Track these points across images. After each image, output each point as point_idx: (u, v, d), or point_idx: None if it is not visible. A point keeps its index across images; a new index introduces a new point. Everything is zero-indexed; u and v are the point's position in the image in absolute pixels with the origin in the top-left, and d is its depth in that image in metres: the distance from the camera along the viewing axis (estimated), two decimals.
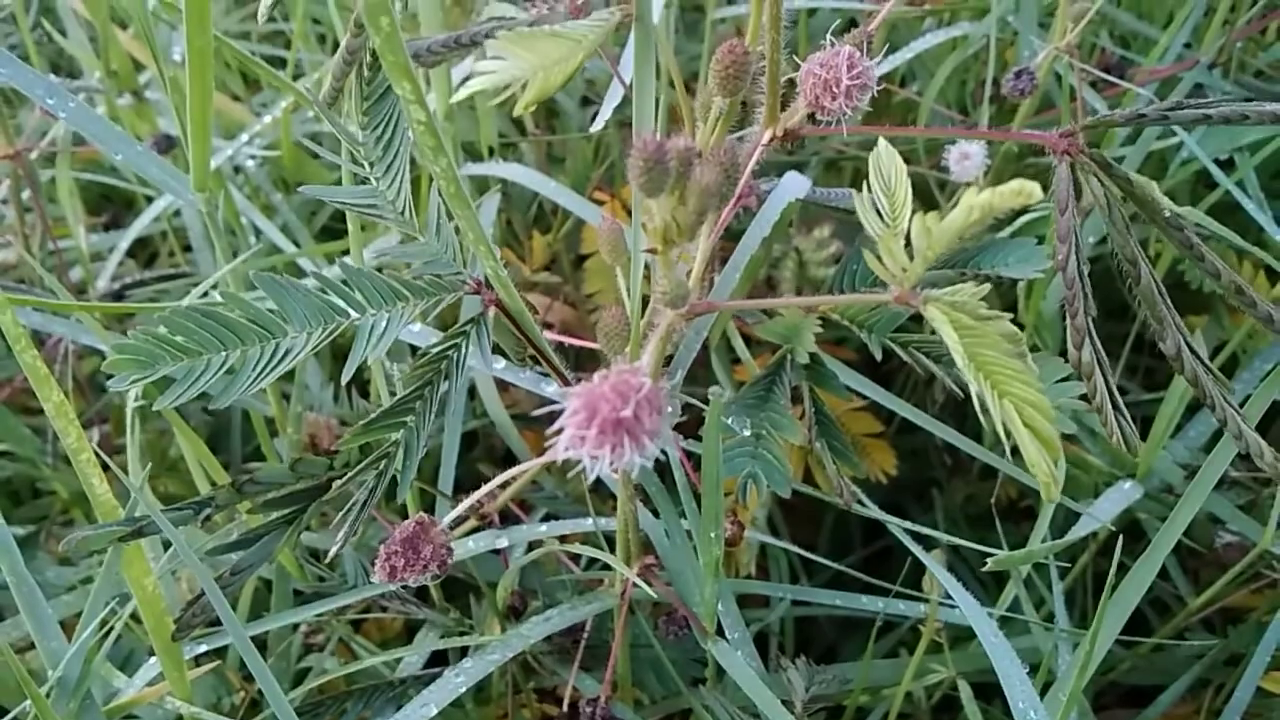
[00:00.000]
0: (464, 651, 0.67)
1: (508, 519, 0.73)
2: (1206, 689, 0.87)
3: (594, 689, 0.68)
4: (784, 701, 0.61)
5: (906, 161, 1.04)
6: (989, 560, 0.61)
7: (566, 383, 0.52)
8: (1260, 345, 0.96)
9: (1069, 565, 0.86)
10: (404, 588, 0.68)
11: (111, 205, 1.28)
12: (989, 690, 0.72)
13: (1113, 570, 0.52)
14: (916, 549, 0.63)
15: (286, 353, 0.46)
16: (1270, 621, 0.73)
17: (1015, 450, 0.38)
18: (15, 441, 0.98)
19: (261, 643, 0.77)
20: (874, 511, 0.64)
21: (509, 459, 0.97)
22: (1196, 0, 0.96)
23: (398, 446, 0.47)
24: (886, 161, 0.42)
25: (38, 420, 1.02)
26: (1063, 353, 0.51)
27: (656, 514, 0.63)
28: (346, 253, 0.84)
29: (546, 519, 0.80)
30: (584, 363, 1.01)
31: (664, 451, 0.59)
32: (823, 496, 0.65)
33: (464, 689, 0.58)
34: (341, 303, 0.47)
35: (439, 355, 0.47)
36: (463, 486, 0.77)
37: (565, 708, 0.67)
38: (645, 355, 0.39)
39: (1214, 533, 0.84)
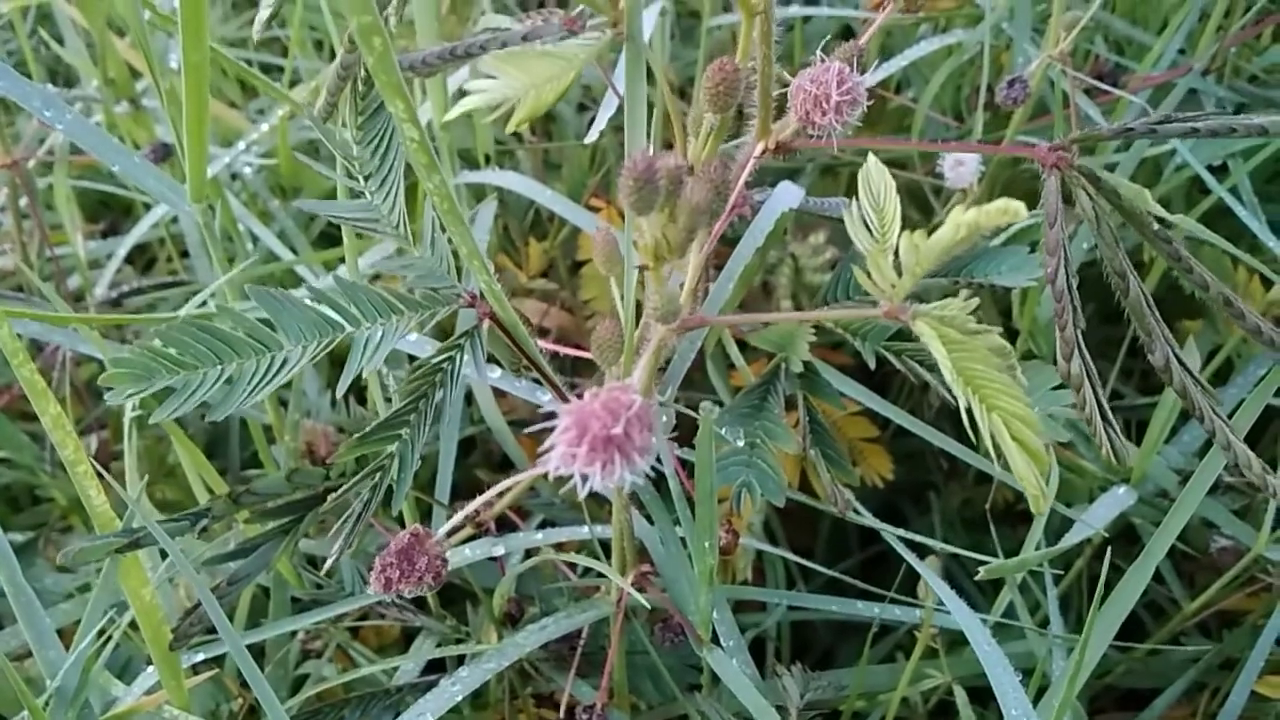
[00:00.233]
0: (461, 659, 0.68)
1: (504, 526, 0.74)
2: (1202, 692, 0.87)
3: (591, 695, 0.69)
4: (779, 708, 0.61)
5: (902, 167, 1.04)
6: (982, 569, 0.61)
7: (560, 393, 0.52)
8: (1255, 350, 0.96)
9: (1065, 571, 0.87)
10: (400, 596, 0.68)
11: (109, 211, 1.28)
12: (985, 695, 0.72)
13: (1103, 578, 0.53)
14: (911, 557, 0.64)
15: (283, 365, 0.47)
16: (1265, 625, 0.73)
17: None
18: (14, 449, 0.98)
19: (259, 650, 0.78)
20: (869, 520, 0.64)
21: (506, 464, 0.98)
22: (1191, 6, 0.96)
23: (393, 459, 0.47)
24: (876, 178, 0.42)
25: (36, 427, 1.02)
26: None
27: (652, 521, 0.63)
28: (344, 260, 0.84)
29: (543, 525, 0.80)
30: (580, 368, 1.02)
31: (658, 460, 0.60)
32: (818, 506, 0.65)
33: (460, 697, 0.58)
34: (337, 316, 0.47)
35: (434, 368, 0.47)
36: (460, 491, 0.78)
37: (562, 714, 0.67)
38: (637, 371, 0.40)
39: (1209, 537, 0.84)
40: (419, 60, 0.60)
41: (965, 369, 0.37)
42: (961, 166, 0.86)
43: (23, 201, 1.00)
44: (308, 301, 0.47)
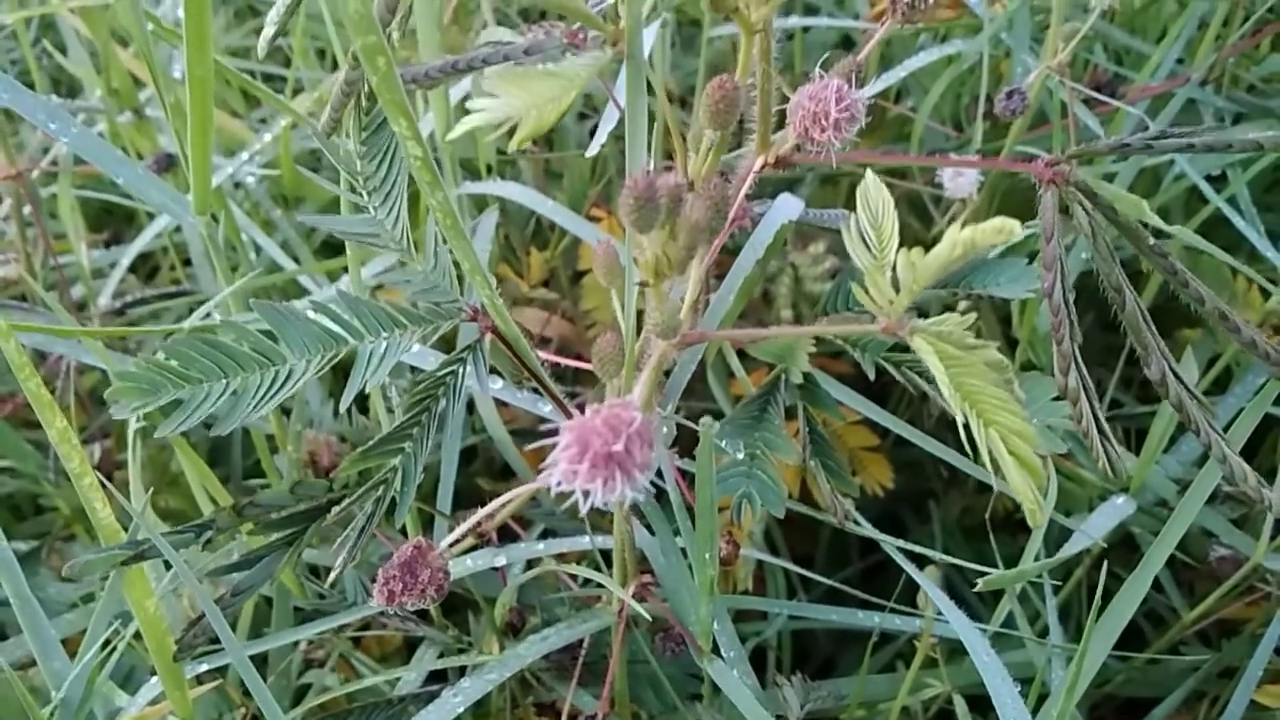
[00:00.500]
0: (463, 669, 0.68)
1: (505, 536, 0.74)
2: (1202, 701, 0.87)
3: (592, 705, 0.69)
4: (779, 718, 0.61)
5: (901, 177, 1.05)
6: (980, 580, 0.61)
7: (562, 406, 0.53)
8: (1254, 359, 0.96)
9: (1065, 580, 0.87)
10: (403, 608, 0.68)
11: (112, 219, 1.29)
12: (985, 704, 0.72)
13: (1099, 590, 0.53)
14: (910, 568, 0.64)
15: (287, 379, 0.47)
16: (1264, 634, 0.73)
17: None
18: (18, 458, 0.98)
19: (262, 659, 0.78)
20: (868, 530, 0.64)
21: (507, 473, 0.98)
22: (1189, 16, 0.97)
23: (396, 472, 0.48)
24: (874, 194, 0.43)
25: (39, 435, 1.02)
26: None
27: (653, 532, 0.63)
28: (347, 270, 0.85)
29: (544, 535, 0.80)
30: (582, 377, 1.02)
31: (659, 473, 0.60)
32: (817, 516, 0.65)
33: (462, 708, 0.59)
34: (341, 330, 0.48)
35: (436, 382, 0.48)
36: (462, 500, 0.78)
37: None
38: (638, 386, 0.40)
39: (1208, 546, 0.85)
40: (421, 74, 0.60)
41: (963, 384, 0.37)
42: (961, 176, 0.86)
43: (26, 210, 1.01)
44: (311, 315, 0.48)
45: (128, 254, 1.05)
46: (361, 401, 0.92)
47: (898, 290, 0.37)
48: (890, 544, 0.64)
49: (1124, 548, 0.92)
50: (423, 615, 0.75)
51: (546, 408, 0.64)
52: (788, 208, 0.60)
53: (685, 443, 0.64)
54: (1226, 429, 0.67)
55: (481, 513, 0.48)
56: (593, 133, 0.72)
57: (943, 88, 0.98)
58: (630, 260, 0.40)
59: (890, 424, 0.72)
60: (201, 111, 0.55)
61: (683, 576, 0.61)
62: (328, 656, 0.80)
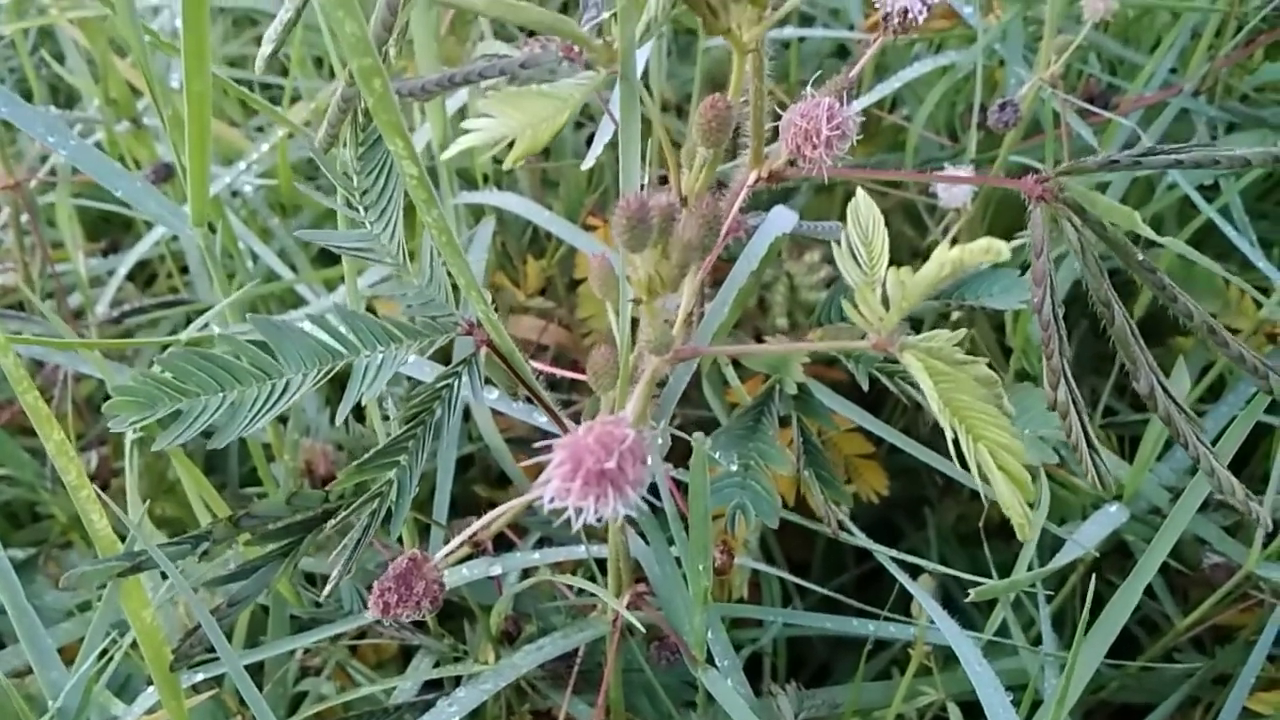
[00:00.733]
0: (458, 678, 0.68)
1: (501, 543, 0.74)
2: (1196, 707, 0.88)
3: (587, 713, 0.69)
4: None
5: (896, 186, 1.05)
6: (972, 591, 0.62)
7: (557, 419, 0.53)
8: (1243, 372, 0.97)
9: (1058, 587, 0.87)
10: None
11: (110, 227, 1.29)
12: (980, 711, 0.73)
13: (1088, 602, 0.53)
14: (903, 577, 0.64)
15: (284, 392, 0.47)
16: (1257, 641, 0.74)
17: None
18: (15, 466, 0.99)
19: (259, 667, 0.78)
20: (862, 540, 0.65)
21: (503, 480, 0.98)
22: (1182, 26, 0.97)
23: (391, 485, 0.48)
24: (865, 212, 0.43)
25: (36, 443, 1.02)
26: None
27: (648, 540, 0.64)
28: (344, 279, 0.85)
29: (540, 543, 0.81)
30: (578, 385, 1.02)
31: (654, 483, 0.60)
32: (811, 525, 0.66)
33: (458, 718, 0.59)
34: (337, 344, 0.48)
35: (432, 395, 0.48)
36: (458, 507, 0.79)
37: None
38: (631, 401, 0.40)
39: (1201, 553, 0.85)
40: (418, 87, 0.61)
41: (952, 400, 0.38)
42: (954, 186, 0.87)
43: (23, 218, 1.01)
44: (308, 329, 0.48)
45: (125, 263, 1.05)
46: (358, 409, 0.92)
47: (888, 307, 0.37)
48: (883, 553, 0.65)
49: (1118, 554, 0.92)
50: (419, 624, 0.76)
51: (542, 418, 0.64)
52: (781, 220, 0.60)
53: (680, 452, 0.65)
54: (1219, 436, 0.68)
55: (476, 525, 0.48)
56: (589, 141, 0.72)
57: (937, 97, 0.99)
58: (624, 278, 0.40)
59: (884, 433, 0.73)
60: (199, 125, 0.55)
61: (677, 586, 0.61)
62: (324, 664, 0.80)
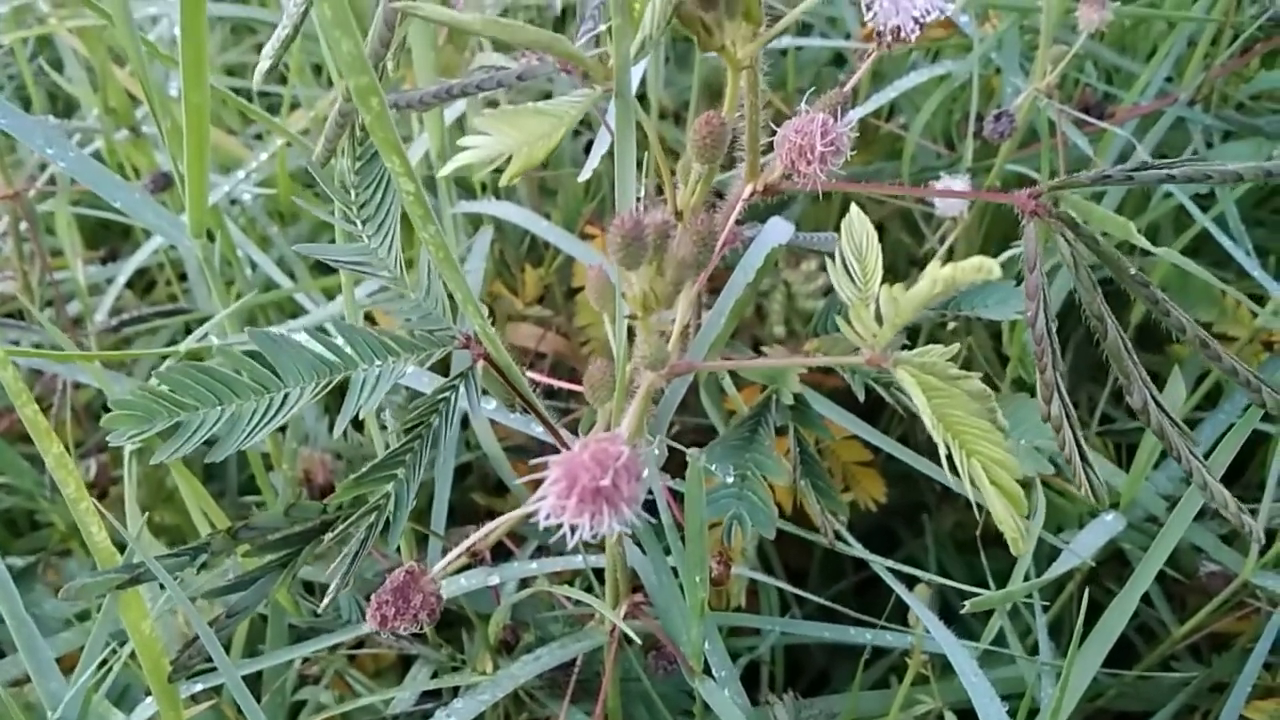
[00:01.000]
0: (456, 687, 0.69)
1: (499, 552, 0.75)
2: (1193, 715, 0.88)
3: None
4: None
5: (893, 195, 1.05)
6: (968, 603, 0.62)
7: (553, 430, 0.53)
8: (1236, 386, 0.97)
9: (1056, 594, 0.88)
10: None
11: (109, 234, 1.29)
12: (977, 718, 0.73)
13: (1082, 613, 0.54)
14: (900, 588, 0.64)
15: (282, 405, 0.48)
16: (1254, 649, 0.74)
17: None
18: (14, 474, 0.99)
19: (257, 676, 0.78)
20: (858, 550, 0.65)
21: (502, 488, 0.99)
22: (1178, 35, 0.97)
23: (389, 498, 0.48)
24: (858, 228, 0.44)
25: (35, 450, 1.02)
26: None
27: (645, 550, 0.64)
28: (342, 288, 0.85)
29: (539, 551, 0.81)
30: (577, 394, 1.03)
31: (650, 491, 0.60)
32: (808, 536, 0.66)
33: None
34: (335, 357, 0.48)
35: (429, 409, 0.49)
36: (456, 514, 0.79)
37: None
38: (627, 418, 0.41)
39: (1198, 561, 0.85)
40: (416, 99, 0.61)
41: (945, 415, 0.38)
42: None
43: (22, 226, 1.01)
44: (306, 342, 0.48)
45: (124, 272, 1.05)
46: (356, 417, 0.92)
47: (881, 323, 0.37)
48: (879, 563, 0.65)
49: (1116, 562, 0.93)
50: (417, 634, 0.76)
51: (539, 428, 0.65)
52: (778, 232, 0.61)
53: (678, 461, 0.65)
54: (1217, 443, 0.68)
55: (474, 536, 0.48)
56: (587, 148, 0.72)
57: (934, 106, 0.99)
58: (619, 295, 0.41)
59: (881, 443, 0.73)
60: (198, 136, 0.55)
61: (674, 596, 0.62)
62: (322, 673, 0.80)
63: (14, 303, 1.07)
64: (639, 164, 0.47)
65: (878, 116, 1.07)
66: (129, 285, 1.18)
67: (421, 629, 0.47)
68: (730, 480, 0.58)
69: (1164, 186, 0.98)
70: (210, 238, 0.67)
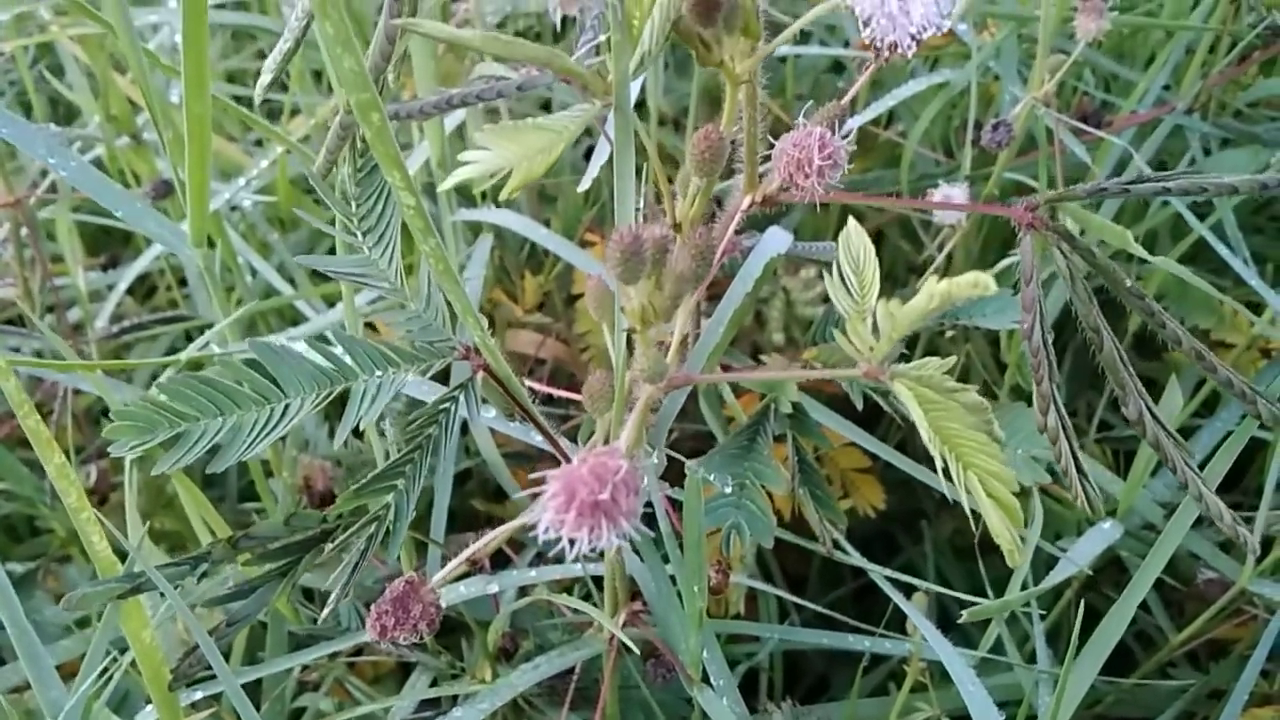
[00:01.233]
0: (455, 695, 0.69)
1: (498, 560, 0.75)
2: None
3: None
4: None
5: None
6: (965, 612, 0.62)
7: (552, 440, 0.54)
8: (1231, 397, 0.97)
9: (1054, 601, 0.88)
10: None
11: (109, 240, 1.30)
12: None
13: (1077, 625, 0.54)
14: (898, 597, 0.65)
15: (283, 416, 0.48)
16: (1251, 656, 0.74)
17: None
18: (14, 480, 0.99)
19: (257, 683, 0.78)
20: (857, 559, 0.65)
21: (501, 494, 0.99)
22: (1176, 43, 0.98)
23: (389, 508, 0.48)
24: (855, 241, 0.44)
25: (35, 456, 1.02)
26: None
27: (644, 558, 0.64)
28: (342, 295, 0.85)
29: (538, 559, 0.81)
30: (577, 400, 1.03)
31: (649, 500, 0.61)
32: (806, 545, 0.66)
33: None
34: (336, 369, 0.48)
35: (429, 420, 0.49)
36: (456, 520, 0.79)
37: None
38: (626, 431, 0.41)
39: (1196, 568, 0.86)
40: (416, 109, 0.61)
41: (942, 428, 0.38)
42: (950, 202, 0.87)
43: (23, 232, 1.01)
44: (307, 353, 0.48)
45: (125, 278, 1.06)
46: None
47: (878, 337, 0.38)
48: (878, 573, 0.65)
49: (1114, 568, 0.93)
50: (416, 641, 0.76)
51: (538, 436, 0.65)
52: (776, 241, 0.61)
53: (677, 468, 0.65)
54: (1216, 449, 0.68)
55: (473, 547, 0.48)
56: (588, 154, 0.73)
57: (933, 114, 1.00)
58: (619, 308, 0.41)
59: (880, 451, 0.73)
60: (199, 146, 0.56)
61: (673, 604, 0.62)
62: (322, 680, 0.81)
63: (14, 309, 1.08)
64: (638, 172, 0.47)
65: (876, 124, 1.07)
66: (129, 291, 1.18)
67: (422, 639, 0.48)
68: (729, 490, 0.58)
69: None
70: (211, 244, 0.67)
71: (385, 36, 0.44)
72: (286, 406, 0.48)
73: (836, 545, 0.62)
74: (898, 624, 0.74)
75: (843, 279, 0.43)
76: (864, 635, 0.75)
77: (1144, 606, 0.81)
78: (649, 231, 0.37)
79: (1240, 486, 1.00)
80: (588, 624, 0.74)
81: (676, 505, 0.62)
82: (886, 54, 0.42)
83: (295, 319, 1.01)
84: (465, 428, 0.90)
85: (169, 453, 0.47)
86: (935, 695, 0.75)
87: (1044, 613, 0.83)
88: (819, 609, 0.73)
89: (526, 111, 1.09)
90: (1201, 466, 0.67)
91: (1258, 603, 0.82)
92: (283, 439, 0.85)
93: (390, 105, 0.59)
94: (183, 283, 1.16)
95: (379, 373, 0.49)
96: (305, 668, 0.80)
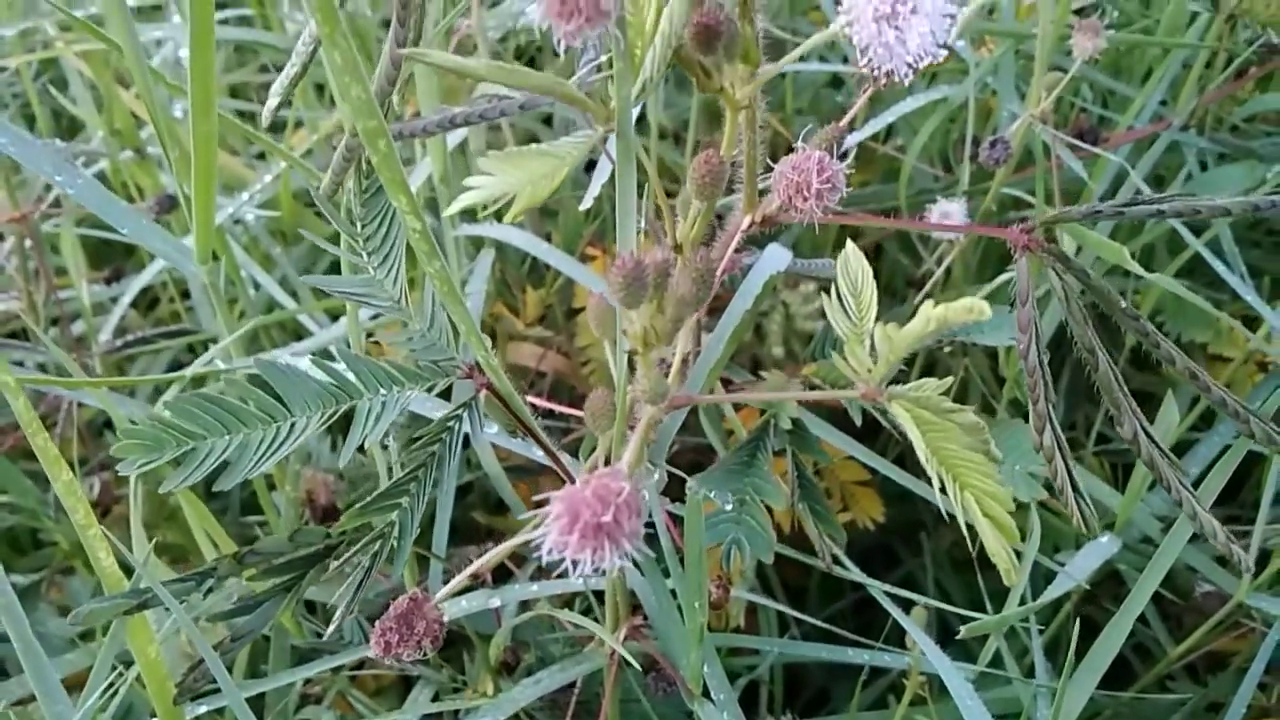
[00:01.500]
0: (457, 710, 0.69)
1: (500, 572, 0.75)
2: None
3: None
4: None
5: (891, 214, 1.06)
6: (963, 628, 0.63)
7: (554, 457, 0.54)
8: (1242, 392, 0.98)
9: (1054, 613, 0.88)
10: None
11: (113, 252, 1.30)
12: None
13: (1074, 640, 0.54)
14: (896, 612, 0.65)
15: (289, 435, 0.49)
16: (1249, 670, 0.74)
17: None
18: (18, 492, 0.99)
19: (260, 696, 0.79)
20: (856, 575, 0.66)
21: (503, 506, 0.99)
22: (1172, 58, 0.99)
23: (393, 526, 0.49)
24: (854, 265, 0.44)
25: (39, 467, 1.03)
26: None
27: (644, 573, 0.65)
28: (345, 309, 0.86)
29: (539, 572, 0.82)
30: (577, 405, 1.03)
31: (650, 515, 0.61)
32: (808, 560, 0.67)
33: None
34: (340, 388, 0.49)
35: (433, 438, 0.49)
36: (459, 532, 0.79)
37: None
38: (628, 451, 0.41)
39: (1194, 581, 0.86)
40: (419, 128, 0.62)
41: (939, 449, 0.39)
42: (948, 220, 0.88)
43: (27, 244, 1.02)
44: (312, 373, 0.49)
45: (129, 292, 1.06)
46: None
47: (875, 360, 0.38)
48: (877, 587, 0.66)
49: (1113, 581, 0.93)
50: None
51: (541, 452, 0.65)
52: (776, 259, 0.62)
53: (679, 482, 0.66)
54: (1214, 463, 0.69)
55: (476, 564, 0.49)
56: (589, 167, 0.73)
57: (931, 128, 1.00)
58: (620, 333, 0.42)
59: (878, 465, 0.74)
60: (205, 164, 0.56)
61: (673, 618, 0.62)
62: (324, 693, 0.81)
63: (17, 322, 1.08)
64: (640, 189, 0.48)
65: (875, 138, 1.08)
66: (133, 303, 1.19)
67: (426, 655, 0.48)
68: (729, 506, 0.59)
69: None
70: (215, 257, 0.68)
71: (391, 62, 0.44)
72: (292, 425, 0.49)
73: (836, 560, 0.63)
74: (898, 636, 0.74)
75: (841, 301, 0.43)
76: (863, 649, 0.75)
77: (1143, 620, 0.81)
78: (650, 256, 0.37)
79: (1238, 499, 1.01)
80: (589, 637, 0.74)
81: (677, 520, 0.63)
82: (884, 81, 0.43)
83: (299, 332, 1.02)
84: (467, 440, 0.90)
85: (176, 471, 0.48)
86: (935, 709, 0.76)
87: (1043, 627, 0.83)
88: (818, 623, 0.73)
89: (529, 127, 1.10)
90: (1199, 480, 0.68)
91: (1256, 616, 0.82)
92: None
93: (394, 125, 0.60)
94: (185, 295, 1.17)
95: (383, 391, 0.50)
96: (308, 681, 0.81)
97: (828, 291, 0.97)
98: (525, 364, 1.04)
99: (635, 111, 0.49)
